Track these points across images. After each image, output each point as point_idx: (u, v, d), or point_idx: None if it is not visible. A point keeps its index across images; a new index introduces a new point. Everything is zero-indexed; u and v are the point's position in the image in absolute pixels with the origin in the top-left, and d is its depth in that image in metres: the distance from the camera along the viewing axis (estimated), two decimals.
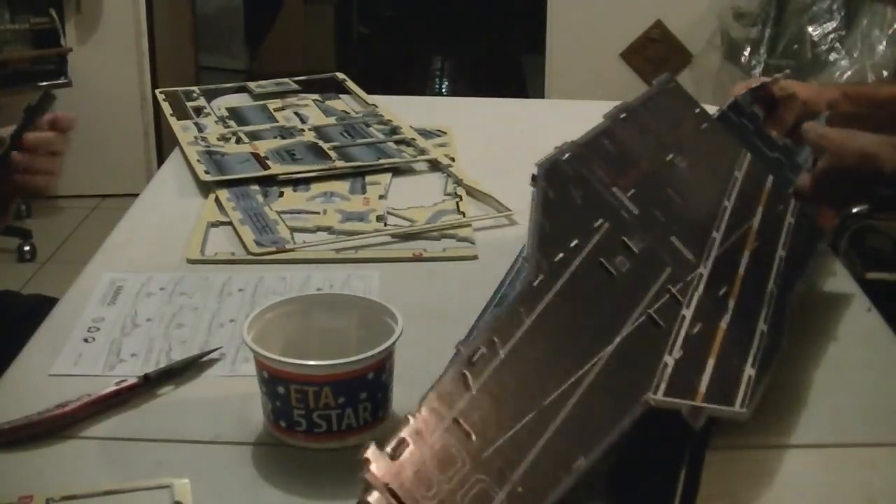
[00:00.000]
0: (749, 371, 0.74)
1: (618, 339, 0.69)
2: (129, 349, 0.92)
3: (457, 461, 0.55)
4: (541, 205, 0.74)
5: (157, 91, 1.69)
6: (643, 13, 3.15)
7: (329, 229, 1.17)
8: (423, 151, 1.40)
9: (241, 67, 4.69)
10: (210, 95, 1.63)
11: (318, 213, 1.22)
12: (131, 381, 0.84)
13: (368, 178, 1.32)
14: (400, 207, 1.23)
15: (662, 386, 0.67)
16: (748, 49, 2.76)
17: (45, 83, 3.16)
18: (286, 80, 1.70)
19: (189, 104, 1.58)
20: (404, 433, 0.55)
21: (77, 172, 3.41)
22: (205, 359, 0.89)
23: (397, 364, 0.79)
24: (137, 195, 1.32)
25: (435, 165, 1.38)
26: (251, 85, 1.68)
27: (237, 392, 0.85)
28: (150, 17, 3.41)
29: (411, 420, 0.56)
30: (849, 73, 2.52)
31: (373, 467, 0.53)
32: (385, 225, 1.19)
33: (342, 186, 1.30)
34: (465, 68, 5.26)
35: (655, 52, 3.07)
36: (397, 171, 1.36)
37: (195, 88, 1.67)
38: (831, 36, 2.62)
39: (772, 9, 2.78)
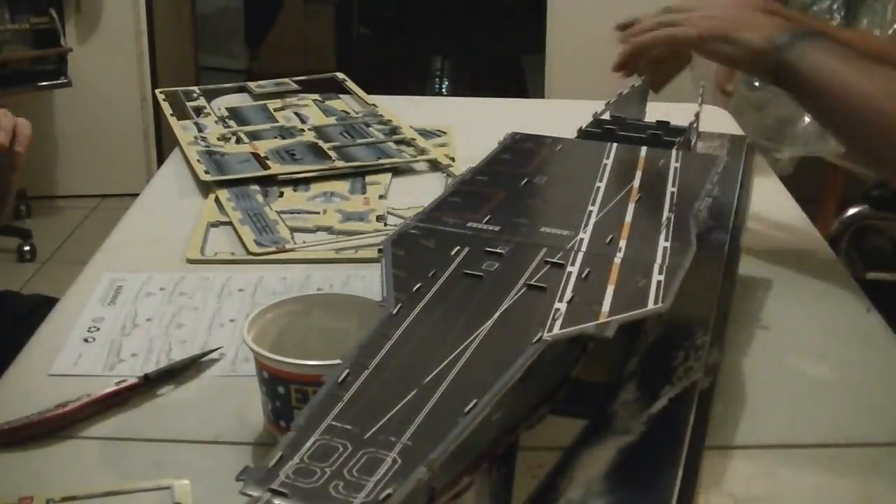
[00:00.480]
0: (657, 278, 0.75)
1: (497, 314, 0.69)
2: (129, 349, 0.92)
3: (338, 449, 0.57)
4: (391, 263, 0.76)
5: (157, 91, 1.69)
6: (643, 13, 3.15)
7: (329, 229, 1.17)
8: (423, 151, 1.40)
9: (241, 67, 4.70)
10: (210, 95, 1.64)
11: (318, 213, 1.22)
12: (131, 381, 0.84)
13: (368, 178, 1.32)
14: (400, 207, 1.23)
15: (558, 323, 0.68)
16: None
17: (45, 83, 3.17)
18: (286, 80, 1.71)
19: (189, 104, 1.58)
20: (279, 449, 0.57)
21: (77, 172, 3.42)
22: (205, 359, 0.90)
23: None
24: (137, 195, 1.32)
25: (435, 165, 1.38)
26: (251, 85, 1.68)
27: (237, 392, 0.85)
28: (150, 17, 3.42)
29: (282, 437, 0.58)
30: None
31: (247, 478, 0.55)
32: (385, 225, 1.19)
33: (342, 186, 1.30)
34: (465, 68, 5.27)
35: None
36: (397, 171, 1.36)
37: (195, 88, 1.67)
38: None
39: None
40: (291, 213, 1.21)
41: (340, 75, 1.75)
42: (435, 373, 0.63)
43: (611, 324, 0.68)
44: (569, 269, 0.76)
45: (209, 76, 4.15)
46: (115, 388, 0.83)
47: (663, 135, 1.10)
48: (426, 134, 1.47)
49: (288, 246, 1.12)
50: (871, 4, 2.52)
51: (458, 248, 0.79)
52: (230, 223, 1.18)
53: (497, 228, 0.83)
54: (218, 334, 0.95)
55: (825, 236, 1.21)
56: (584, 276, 0.75)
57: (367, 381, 0.63)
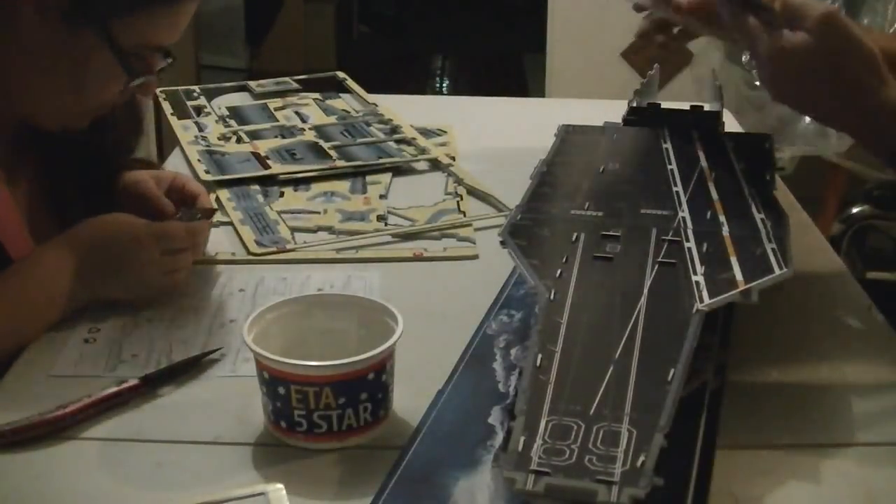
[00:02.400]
0: (770, 246, 0.83)
1: (646, 291, 0.77)
2: (129, 350, 0.92)
3: (572, 427, 0.63)
4: (520, 253, 0.83)
5: (157, 90, 1.68)
6: (643, 13, 3.14)
7: (329, 229, 1.17)
8: (423, 151, 1.40)
9: (241, 66, 4.69)
10: (210, 94, 1.63)
11: (319, 212, 1.22)
12: (131, 381, 0.84)
13: (369, 178, 1.32)
14: (400, 207, 1.23)
15: (705, 294, 0.76)
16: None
17: None
18: (286, 79, 1.70)
19: (189, 103, 1.58)
20: (522, 435, 0.62)
21: None
22: (205, 359, 0.89)
23: (397, 364, 0.79)
24: None
25: (436, 165, 1.38)
26: (252, 84, 1.68)
27: (237, 392, 0.85)
28: None
29: (518, 420, 0.64)
30: None
31: (505, 467, 0.60)
32: (386, 224, 1.19)
33: (342, 186, 1.30)
34: (466, 68, 5.26)
35: (656, 52, 3.07)
36: (398, 170, 1.36)
37: (195, 88, 1.67)
38: None
39: None
40: (292, 213, 1.21)
41: (341, 74, 1.75)
42: (620, 348, 0.70)
43: (752, 291, 0.76)
44: (686, 244, 0.84)
45: (210, 75, 4.15)
46: (115, 388, 0.83)
47: (701, 119, 1.17)
48: (427, 133, 1.47)
49: (288, 246, 1.12)
50: (871, 4, 2.52)
51: (576, 234, 0.86)
52: (230, 223, 1.18)
53: (600, 213, 0.90)
54: (218, 334, 0.95)
55: (826, 236, 1.21)
56: (704, 250, 0.83)
57: (562, 363, 0.69)
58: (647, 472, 0.59)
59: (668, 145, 1.07)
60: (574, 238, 0.85)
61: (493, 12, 5.67)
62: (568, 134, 1.12)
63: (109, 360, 0.91)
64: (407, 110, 1.55)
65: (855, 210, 2.10)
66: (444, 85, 5.05)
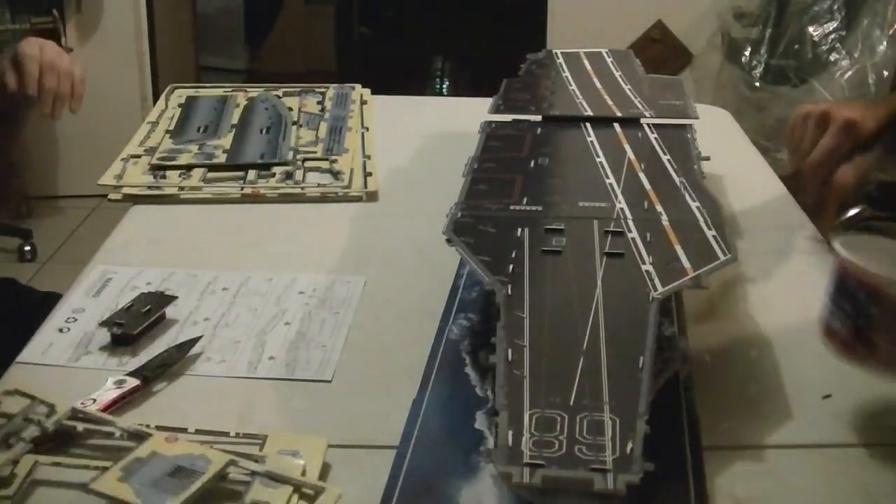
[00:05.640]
0: (710, 233, 0.84)
1: (599, 283, 0.78)
2: (98, 342, 0.92)
3: (556, 420, 0.64)
4: (469, 250, 0.83)
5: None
6: (643, 13, 3.15)
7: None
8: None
9: (241, 67, 4.69)
10: None
11: None
12: (132, 382, 0.84)
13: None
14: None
15: (657, 283, 0.77)
16: (749, 49, 2.76)
17: None
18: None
19: None
20: (509, 430, 0.63)
21: (78, 172, 3.41)
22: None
23: (398, 364, 0.79)
24: None
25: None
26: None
27: (237, 392, 0.85)
28: (150, 17, 3.41)
29: (501, 416, 0.64)
30: (849, 73, 2.52)
31: (498, 462, 0.61)
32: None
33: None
34: (466, 68, 5.26)
35: (656, 52, 3.07)
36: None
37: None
38: (832, 36, 2.62)
39: (772, 9, 2.78)
40: None
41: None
42: (587, 339, 0.71)
43: (702, 276, 0.77)
44: (630, 235, 0.85)
45: (210, 76, 4.15)
46: (118, 392, 0.82)
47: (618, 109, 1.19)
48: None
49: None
50: (871, 5, 2.52)
51: (520, 229, 0.86)
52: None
53: (539, 208, 0.90)
54: (192, 332, 0.93)
55: (825, 236, 1.21)
56: (647, 239, 0.83)
57: (533, 356, 0.69)
58: (636, 457, 0.60)
59: (593, 138, 1.08)
60: (519, 233, 0.86)
61: (493, 13, 5.67)
62: (492, 130, 1.13)
63: (77, 350, 0.90)
64: (407, 111, 1.55)
65: (854, 211, 2.10)
66: (445, 86, 5.05)
